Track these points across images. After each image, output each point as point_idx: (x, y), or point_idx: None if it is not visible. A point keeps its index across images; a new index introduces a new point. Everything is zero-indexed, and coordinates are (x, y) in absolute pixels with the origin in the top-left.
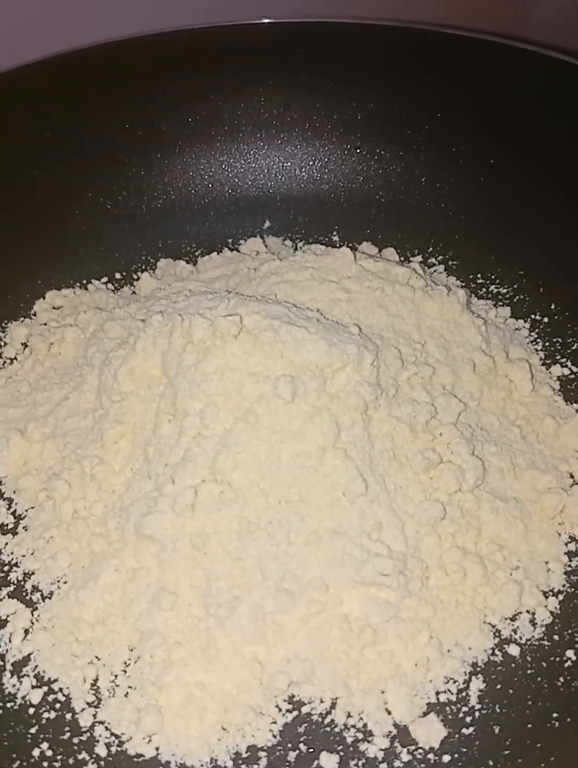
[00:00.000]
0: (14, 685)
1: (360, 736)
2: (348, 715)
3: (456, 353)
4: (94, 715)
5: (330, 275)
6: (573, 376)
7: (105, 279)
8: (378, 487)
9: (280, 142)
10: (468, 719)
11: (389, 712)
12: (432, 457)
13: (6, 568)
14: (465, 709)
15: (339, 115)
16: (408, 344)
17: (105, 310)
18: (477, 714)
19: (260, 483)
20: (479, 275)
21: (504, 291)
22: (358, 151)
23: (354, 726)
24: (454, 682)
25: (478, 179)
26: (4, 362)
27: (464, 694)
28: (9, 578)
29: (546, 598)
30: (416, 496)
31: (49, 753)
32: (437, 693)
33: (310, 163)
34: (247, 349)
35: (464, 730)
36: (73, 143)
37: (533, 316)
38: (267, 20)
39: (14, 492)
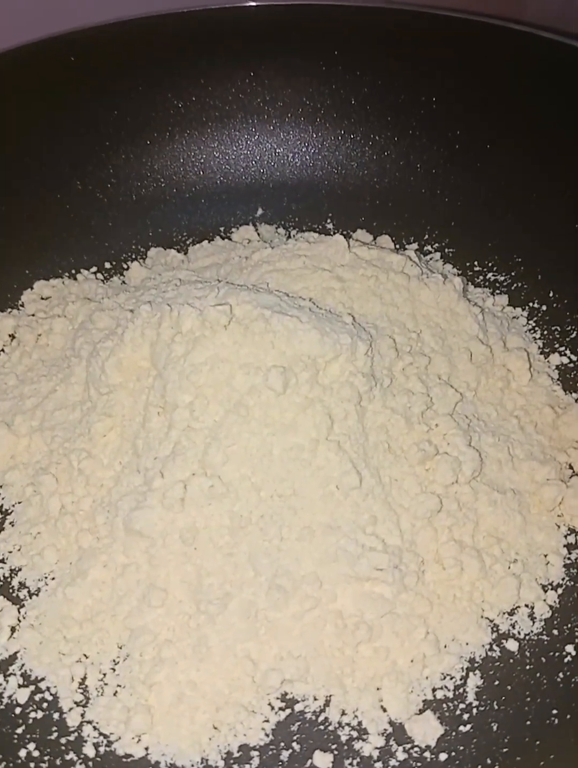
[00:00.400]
0: (0, 685)
1: (354, 734)
2: (343, 713)
3: (452, 342)
4: (82, 715)
5: (323, 263)
6: (571, 364)
7: (94, 269)
8: (373, 480)
9: (272, 127)
10: (466, 716)
11: (384, 710)
12: (428, 449)
13: None
14: (462, 706)
15: (333, 100)
16: (403, 334)
17: (94, 300)
18: (474, 711)
19: (251, 477)
20: (476, 263)
21: (502, 279)
22: (352, 136)
23: (348, 724)
24: (451, 679)
25: (475, 165)
26: None
27: (461, 690)
28: None
29: (545, 591)
30: (412, 489)
31: (36, 753)
32: (433, 690)
33: (303, 150)
34: (237, 340)
35: (461, 728)
36: (60, 130)
37: (531, 305)
38: (253, 3)
39: (0, 487)
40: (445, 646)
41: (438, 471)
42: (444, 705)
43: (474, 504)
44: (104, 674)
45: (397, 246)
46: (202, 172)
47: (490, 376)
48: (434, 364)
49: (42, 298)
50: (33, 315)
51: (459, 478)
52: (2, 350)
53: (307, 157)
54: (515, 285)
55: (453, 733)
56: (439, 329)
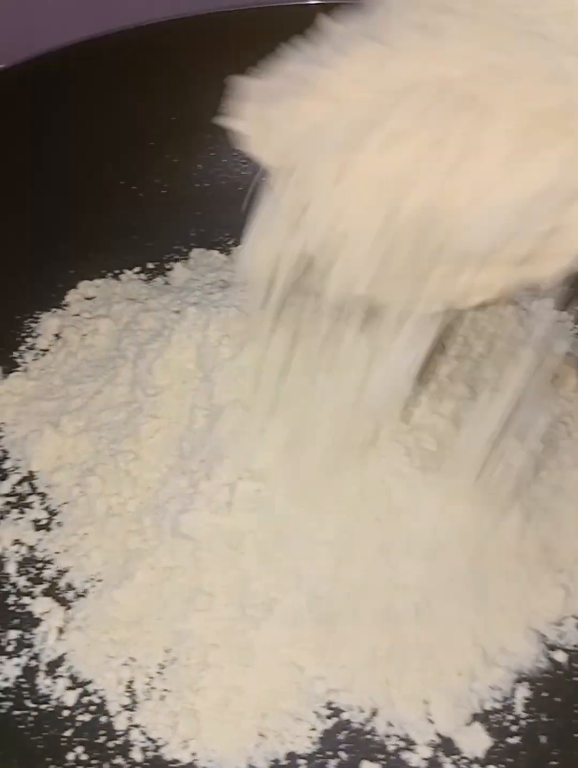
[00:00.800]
0: (48, 686)
1: (402, 744)
2: (389, 724)
3: (499, 346)
4: (130, 719)
5: None
6: None
7: (137, 269)
8: (420, 485)
9: None
10: (514, 728)
11: (432, 722)
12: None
13: (39, 565)
14: (510, 717)
15: None
16: (449, 338)
17: (138, 301)
18: (523, 723)
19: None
20: None
21: None
22: None
23: (396, 735)
24: (499, 691)
25: None
26: (37, 354)
27: (509, 702)
28: (42, 575)
29: None
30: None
31: (84, 757)
32: (481, 701)
33: None
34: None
35: (509, 740)
36: (105, 130)
37: None
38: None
39: (47, 487)
40: (494, 658)
41: (482, 477)
42: (492, 716)
43: (521, 512)
44: (151, 678)
45: None
46: (245, 173)
47: (537, 381)
48: (480, 369)
49: (86, 298)
50: (78, 315)
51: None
52: (48, 350)
53: None
54: (561, 288)
55: (502, 745)
56: (486, 333)
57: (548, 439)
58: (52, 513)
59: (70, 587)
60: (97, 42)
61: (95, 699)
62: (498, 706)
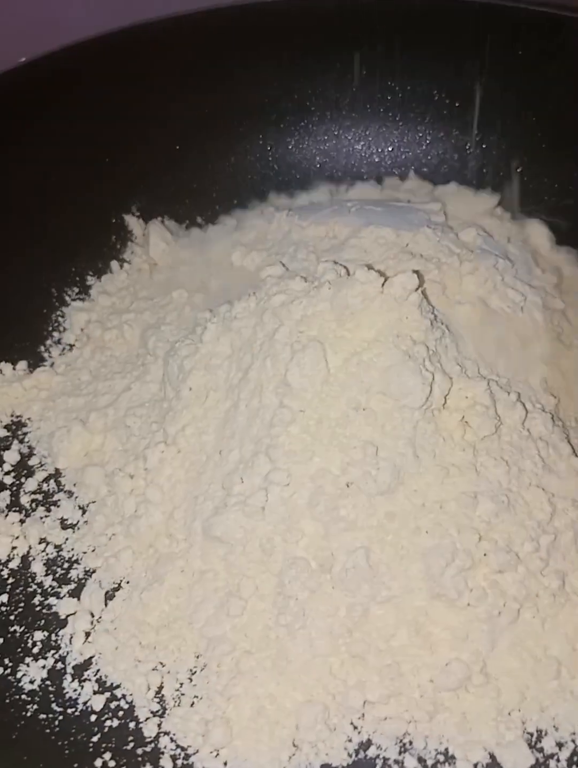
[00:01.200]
0: (75, 690)
1: (441, 758)
2: (427, 737)
3: None
4: (159, 725)
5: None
6: None
7: None
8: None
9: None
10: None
11: (472, 737)
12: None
13: (66, 565)
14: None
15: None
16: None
17: (167, 295)
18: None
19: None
20: None
21: None
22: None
23: (435, 749)
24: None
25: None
26: (64, 348)
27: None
28: (69, 576)
29: None
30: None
31: (112, 764)
32: (524, 722)
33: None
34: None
35: (552, 764)
36: (135, 121)
37: None
38: None
39: (74, 485)
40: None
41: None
42: (535, 733)
43: None
44: (181, 683)
45: None
46: (275, 167)
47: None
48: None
49: (114, 293)
50: (105, 309)
51: None
52: (74, 345)
53: (386, 152)
54: None
55: (545, 764)
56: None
57: None
58: (81, 511)
59: (98, 589)
60: (124, 34)
61: (123, 704)
62: (543, 727)
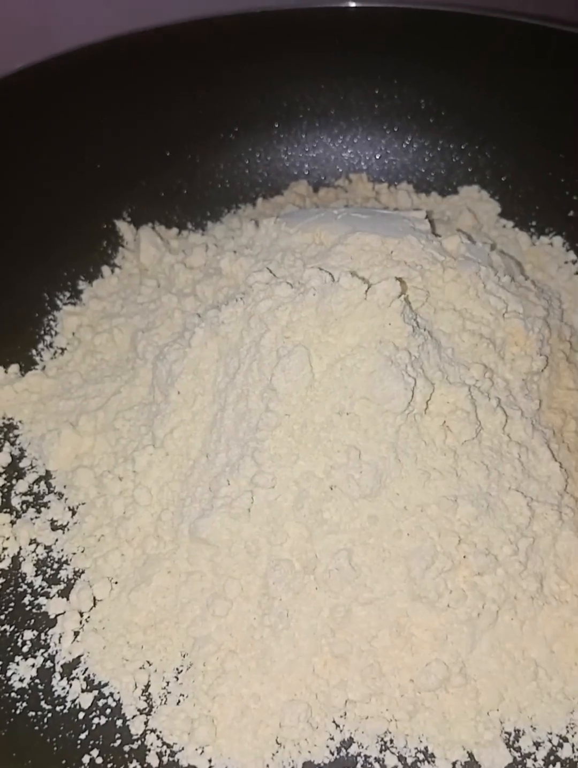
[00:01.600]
0: (64, 688)
1: (421, 757)
2: (408, 736)
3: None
4: (146, 723)
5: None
6: None
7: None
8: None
9: (337, 130)
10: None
11: (452, 736)
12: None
13: (56, 566)
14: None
15: (401, 103)
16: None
17: (157, 301)
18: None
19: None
20: None
21: None
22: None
23: (416, 747)
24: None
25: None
26: (55, 352)
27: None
28: (59, 576)
29: None
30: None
31: (99, 760)
32: (502, 722)
33: (369, 152)
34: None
35: (529, 763)
36: (127, 128)
37: None
38: (353, 4)
39: (64, 487)
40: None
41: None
42: (513, 733)
43: None
44: (168, 682)
45: None
46: (265, 174)
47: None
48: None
49: (106, 298)
50: (97, 313)
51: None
52: (66, 348)
53: (374, 160)
54: None
55: (522, 763)
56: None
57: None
58: (70, 513)
59: (87, 589)
60: (121, 41)
61: (111, 702)
62: (520, 727)
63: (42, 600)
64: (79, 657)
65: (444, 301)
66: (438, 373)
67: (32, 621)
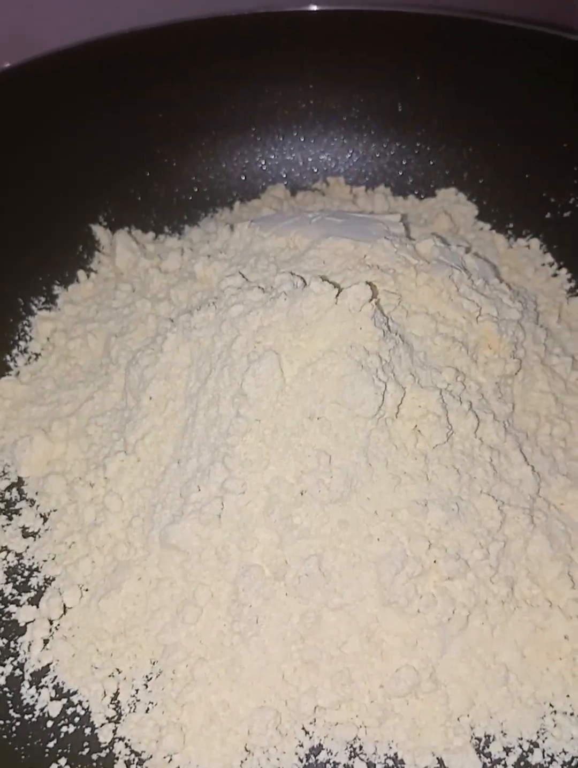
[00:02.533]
0: (33, 696)
1: (390, 763)
2: (377, 742)
3: None
4: (114, 731)
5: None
6: None
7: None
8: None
9: (315, 134)
10: (507, 754)
11: (422, 743)
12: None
13: (27, 573)
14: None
15: (379, 106)
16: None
17: (131, 306)
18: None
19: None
20: None
21: None
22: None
23: (385, 754)
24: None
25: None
26: (30, 357)
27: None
28: (29, 583)
29: None
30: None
31: None
32: (472, 727)
33: (347, 156)
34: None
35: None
36: (104, 131)
37: None
38: (315, 8)
39: (37, 493)
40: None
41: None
42: (483, 738)
43: None
44: (137, 690)
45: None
46: (243, 178)
47: None
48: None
49: (80, 302)
50: (71, 318)
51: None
52: (40, 354)
53: (351, 163)
54: None
55: None
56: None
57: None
58: (42, 520)
59: (57, 596)
60: (96, 44)
61: (79, 710)
62: (491, 732)
63: (12, 608)
64: (49, 665)
65: (416, 305)
66: (410, 376)
67: (2, 629)
